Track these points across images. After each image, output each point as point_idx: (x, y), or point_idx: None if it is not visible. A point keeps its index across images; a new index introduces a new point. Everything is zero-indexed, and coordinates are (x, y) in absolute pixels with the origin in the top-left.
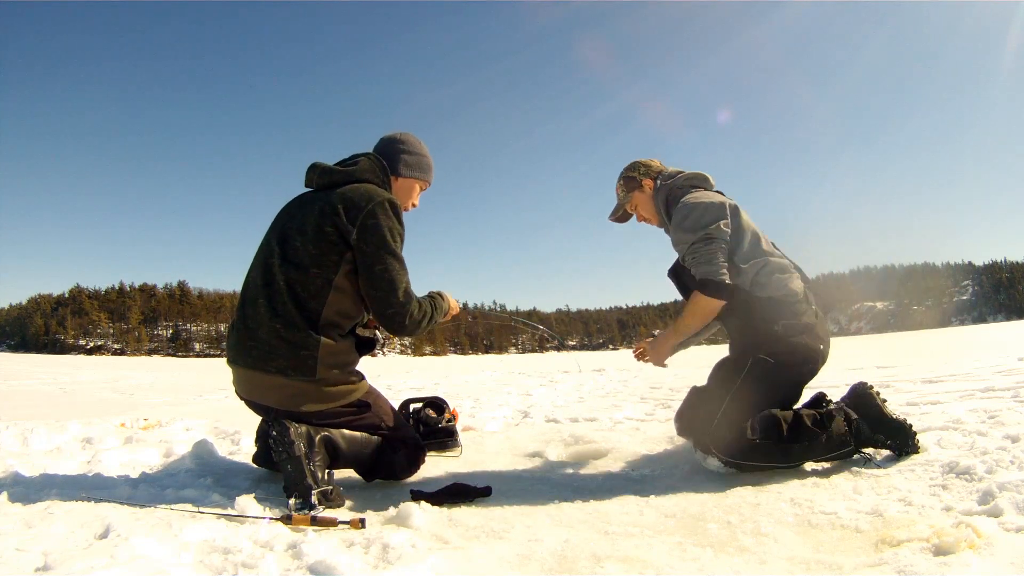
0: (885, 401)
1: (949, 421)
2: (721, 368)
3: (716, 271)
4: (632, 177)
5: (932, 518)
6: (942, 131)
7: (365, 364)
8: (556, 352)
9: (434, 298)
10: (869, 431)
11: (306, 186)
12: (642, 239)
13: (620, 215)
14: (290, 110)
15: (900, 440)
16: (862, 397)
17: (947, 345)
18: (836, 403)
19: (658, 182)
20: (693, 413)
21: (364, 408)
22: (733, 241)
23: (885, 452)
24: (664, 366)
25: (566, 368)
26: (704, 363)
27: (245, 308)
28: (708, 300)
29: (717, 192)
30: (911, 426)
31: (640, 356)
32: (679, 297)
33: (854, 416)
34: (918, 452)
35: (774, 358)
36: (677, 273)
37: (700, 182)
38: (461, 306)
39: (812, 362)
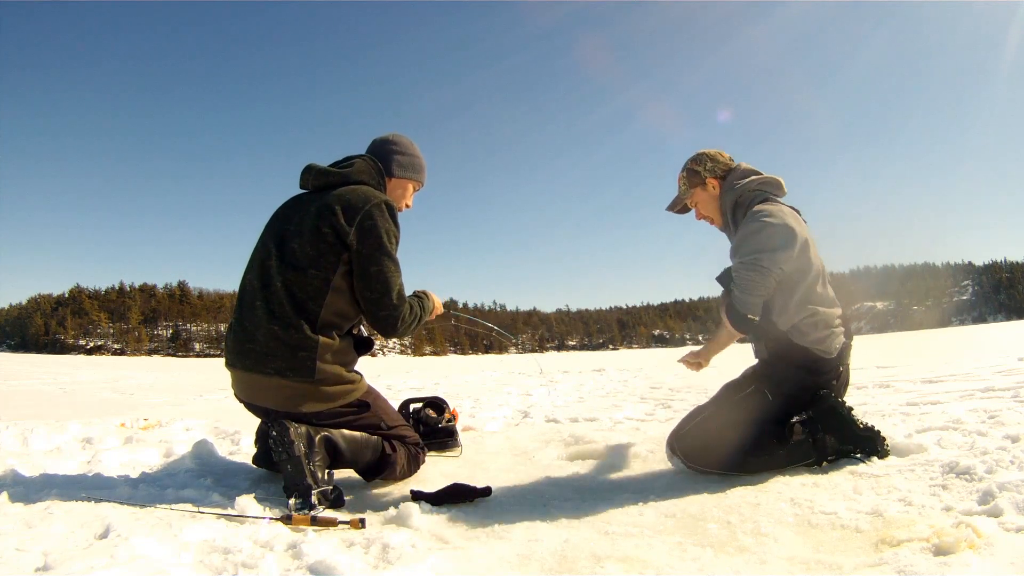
0: (852, 410)
1: (949, 421)
2: (729, 384)
3: (749, 304)
4: (696, 172)
5: (932, 518)
6: (942, 131)
7: (365, 364)
8: (517, 352)
9: (421, 298)
10: (837, 443)
11: (301, 187)
12: (643, 240)
13: (679, 208)
14: (290, 110)
15: (870, 448)
16: (827, 412)
17: (947, 345)
18: (804, 417)
19: (727, 182)
20: (686, 416)
21: (364, 408)
22: (791, 279)
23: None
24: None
25: (566, 368)
26: (705, 369)
27: (243, 311)
28: (732, 329)
29: (791, 208)
30: (879, 432)
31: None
32: (680, 297)
33: (820, 432)
34: (888, 455)
35: (774, 396)
36: (724, 279)
37: (773, 189)
38: (445, 307)
39: (808, 407)
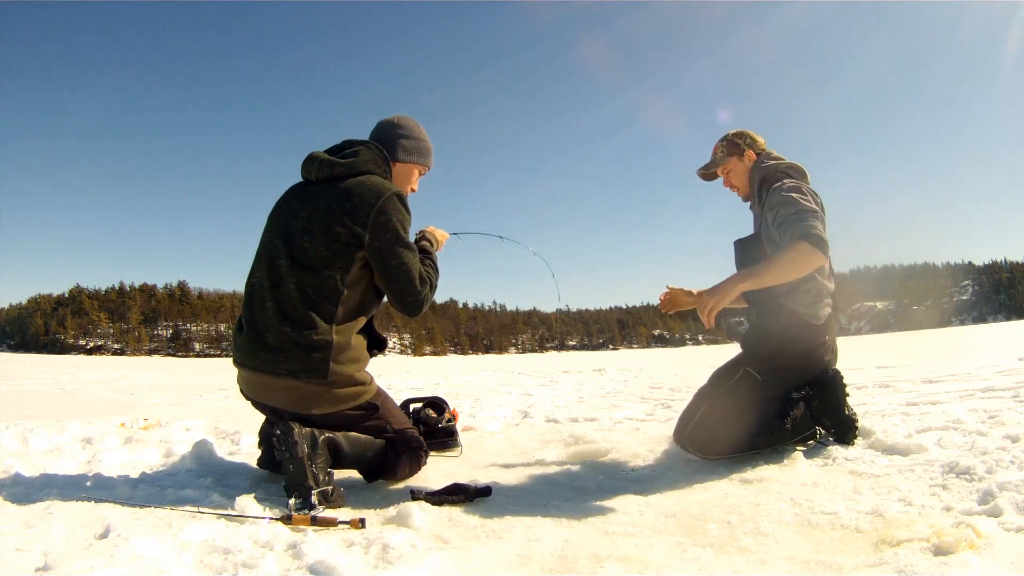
0: (848, 396)
1: (949, 421)
2: (717, 372)
3: (821, 232)
4: (736, 143)
5: (932, 518)
6: (942, 131)
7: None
8: (517, 352)
9: (430, 254)
10: (819, 412)
11: (303, 177)
12: (643, 240)
13: (709, 173)
14: (291, 110)
15: (841, 432)
16: (827, 384)
17: (947, 345)
18: (804, 393)
19: (759, 159)
20: (684, 411)
21: (372, 410)
22: None
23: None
24: (713, 324)
25: (566, 368)
26: (704, 363)
27: (252, 310)
28: (811, 251)
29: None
30: (856, 425)
31: (668, 304)
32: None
33: (814, 400)
34: (853, 445)
35: (763, 375)
36: (744, 245)
37: (798, 174)
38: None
39: (800, 381)
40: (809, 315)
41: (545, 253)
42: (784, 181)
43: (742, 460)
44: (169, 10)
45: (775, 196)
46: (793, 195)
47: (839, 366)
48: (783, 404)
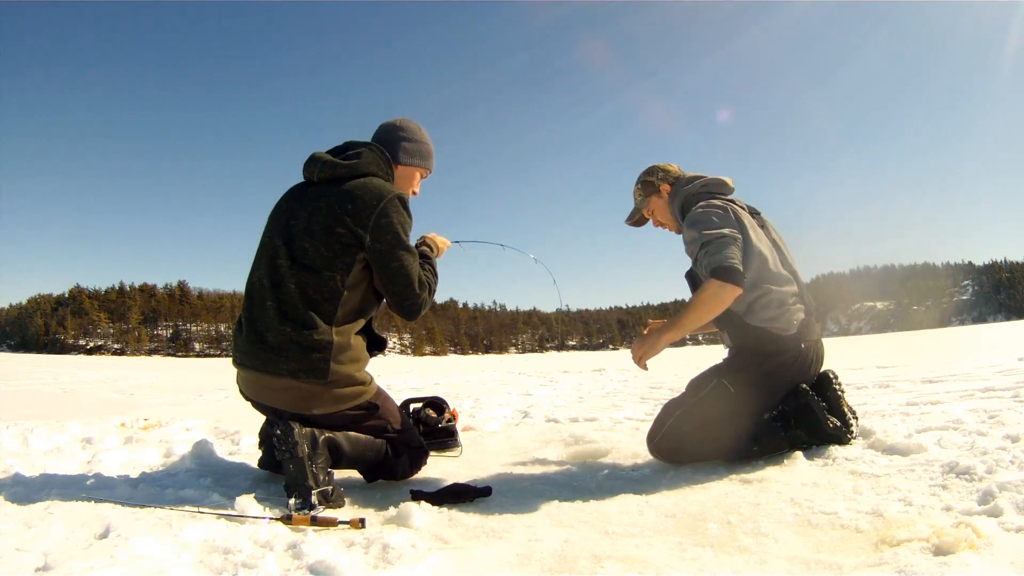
0: (825, 407)
1: (949, 421)
2: (692, 381)
3: (731, 260)
4: (650, 182)
5: (932, 518)
6: (942, 131)
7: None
8: (516, 352)
9: (430, 259)
10: (806, 437)
11: (305, 177)
12: (643, 240)
13: (636, 219)
14: (291, 110)
15: (833, 443)
16: (801, 408)
17: (947, 345)
18: (776, 412)
19: (674, 188)
20: (657, 418)
21: (372, 410)
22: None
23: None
24: (645, 368)
25: (566, 368)
26: (705, 363)
27: (252, 310)
28: (721, 287)
29: (732, 201)
30: (848, 431)
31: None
32: (680, 296)
33: (791, 428)
34: (850, 444)
35: (735, 387)
36: (693, 276)
37: (717, 188)
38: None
39: (776, 394)
40: (777, 328)
41: (545, 254)
42: (692, 211)
43: (742, 460)
44: (169, 10)
45: (685, 233)
46: (695, 231)
47: (836, 368)
48: (754, 424)
